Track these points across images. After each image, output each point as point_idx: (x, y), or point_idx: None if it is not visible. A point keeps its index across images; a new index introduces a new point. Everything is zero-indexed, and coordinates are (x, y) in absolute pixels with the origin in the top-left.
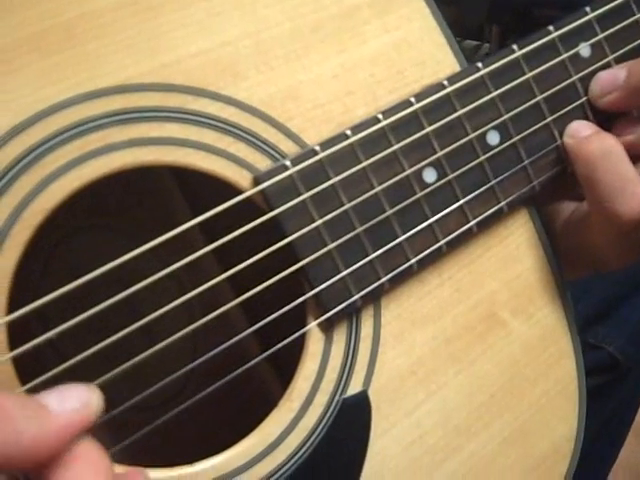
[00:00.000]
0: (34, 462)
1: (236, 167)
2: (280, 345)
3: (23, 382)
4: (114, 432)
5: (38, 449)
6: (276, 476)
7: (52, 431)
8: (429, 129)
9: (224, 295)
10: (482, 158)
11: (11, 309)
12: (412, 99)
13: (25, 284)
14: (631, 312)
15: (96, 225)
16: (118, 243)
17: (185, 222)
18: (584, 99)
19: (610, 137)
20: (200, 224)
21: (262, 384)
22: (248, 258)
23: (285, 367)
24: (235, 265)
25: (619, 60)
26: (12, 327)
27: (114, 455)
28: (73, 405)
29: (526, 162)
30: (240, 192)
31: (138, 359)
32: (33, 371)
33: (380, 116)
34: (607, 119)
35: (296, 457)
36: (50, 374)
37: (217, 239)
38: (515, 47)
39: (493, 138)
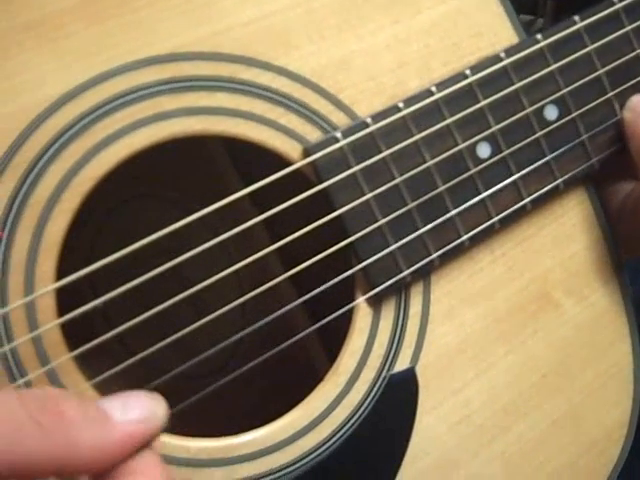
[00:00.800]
0: (91, 472)
1: (286, 138)
2: (328, 319)
3: (72, 348)
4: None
5: (96, 459)
6: (320, 450)
7: (113, 442)
8: (484, 103)
9: (273, 267)
10: (539, 133)
11: (61, 276)
12: (467, 71)
13: (76, 252)
14: None
15: (147, 194)
16: (168, 212)
17: (235, 192)
18: None
19: None
20: (250, 195)
21: (309, 358)
22: (298, 230)
23: (333, 341)
24: (284, 237)
25: None
26: (62, 294)
27: None
28: (137, 416)
29: (585, 138)
30: (290, 163)
31: (186, 331)
32: (83, 338)
33: (434, 89)
34: None
35: (341, 432)
36: (98, 341)
37: (267, 210)
38: (577, 18)
39: (551, 113)
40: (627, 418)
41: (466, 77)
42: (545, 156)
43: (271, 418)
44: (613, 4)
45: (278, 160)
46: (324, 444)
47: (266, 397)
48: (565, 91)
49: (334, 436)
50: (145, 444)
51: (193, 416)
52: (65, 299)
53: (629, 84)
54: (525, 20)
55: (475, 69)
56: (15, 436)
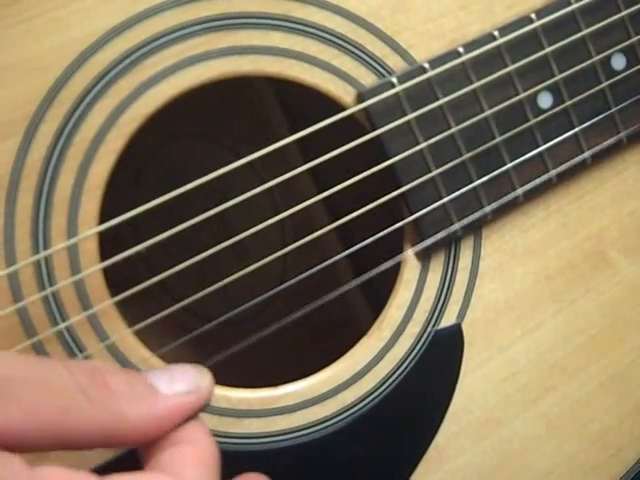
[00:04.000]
0: (138, 443)
1: (339, 81)
2: (375, 271)
3: (114, 293)
4: (202, 345)
5: (142, 430)
6: (361, 405)
7: (159, 414)
8: (549, 50)
9: (318, 217)
10: (605, 84)
11: (105, 218)
12: (533, 15)
13: (119, 192)
14: None
15: (192, 134)
16: (214, 154)
17: (283, 138)
18: None
19: None
20: (298, 141)
21: (352, 312)
22: (346, 180)
23: (378, 295)
24: (331, 186)
25: None
26: (105, 238)
27: None
28: (183, 388)
29: None
30: (343, 108)
31: (230, 279)
32: (126, 284)
33: (496, 33)
34: None
35: (383, 387)
36: (140, 287)
37: (315, 157)
38: None
39: (619, 62)
40: None
41: (531, 21)
42: (610, 108)
43: (308, 371)
44: None
45: (330, 104)
46: (365, 398)
47: (302, 349)
48: (635, 39)
49: (376, 390)
50: (191, 415)
51: (234, 365)
52: (108, 243)
53: None
54: None
55: (541, 13)
56: (65, 407)
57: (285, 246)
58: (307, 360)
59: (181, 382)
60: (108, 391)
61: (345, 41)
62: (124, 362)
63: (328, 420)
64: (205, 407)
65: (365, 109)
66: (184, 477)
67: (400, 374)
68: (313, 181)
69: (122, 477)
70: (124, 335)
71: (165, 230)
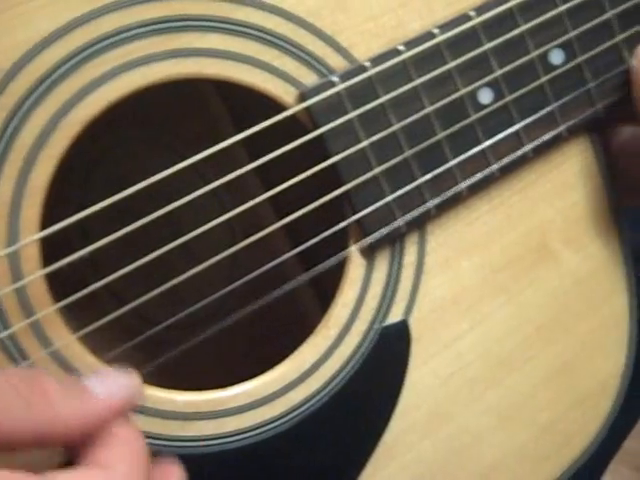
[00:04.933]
0: (71, 441)
1: (280, 82)
2: (319, 269)
3: (60, 299)
4: (151, 349)
5: (75, 430)
6: (309, 404)
7: (91, 414)
8: (488, 46)
9: (266, 217)
10: (543, 79)
11: (51, 224)
12: (472, 13)
13: (65, 201)
14: None
15: (139, 138)
16: (161, 157)
17: (229, 139)
18: None
19: None
20: (244, 142)
21: (304, 310)
22: (291, 179)
23: (327, 294)
24: (278, 186)
25: None
26: (53, 245)
27: (147, 374)
28: (113, 390)
29: (591, 85)
30: (285, 108)
31: (178, 280)
32: (74, 290)
33: (436, 31)
34: None
35: (331, 385)
36: (87, 290)
37: (261, 158)
38: None
39: (557, 57)
40: (621, 371)
41: (470, 19)
42: (549, 102)
43: (262, 369)
44: None
45: (273, 105)
46: (314, 397)
47: (258, 348)
48: (572, 34)
49: (324, 389)
50: (121, 415)
51: (183, 366)
52: (56, 250)
53: (638, 29)
54: None
55: (480, 10)
56: (2, 409)
57: (234, 246)
58: (261, 361)
59: (112, 384)
60: (44, 394)
61: (285, 41)
62: (69, 369)
63: (277, 420)
64: (135, 407)
65: (307, 109)
66: (115, 471)
67: (347, 372)
68: (261, 182)
69: (59, 474)
70: (68, 342)
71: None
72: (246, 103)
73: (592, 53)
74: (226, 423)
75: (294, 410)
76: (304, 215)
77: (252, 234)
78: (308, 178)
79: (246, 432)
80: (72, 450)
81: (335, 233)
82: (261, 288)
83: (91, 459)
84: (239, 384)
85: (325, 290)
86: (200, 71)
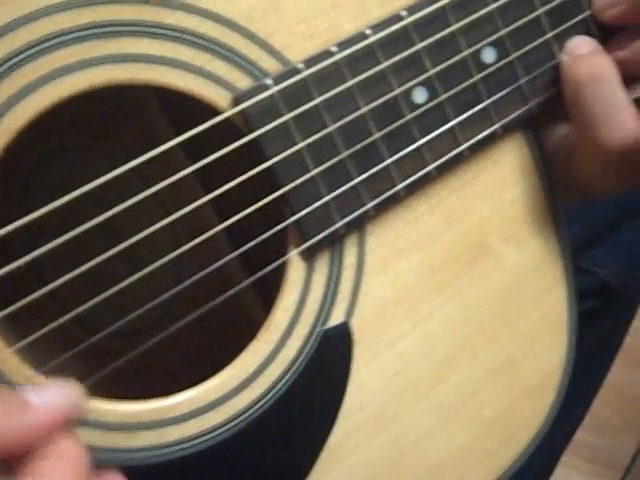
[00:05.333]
0: (11, 453)
1: (214, 86)
2: (260, 273)
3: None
4: (94, 360)
5: (14, 443)
6: (254, 409)
7: (30, 426)
8: (420, 45)
9: (209, 221)
10: (476, 77)
11: None
12: (403, 13)
13: (4, 206)
14: (624, 236)
15: (78, 146)
16: (102, 165)
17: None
18: (587, 13)
19: (604, 59)
20: (185, 148)
21: (250, 314)
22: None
23: (272, 297)
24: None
25: None
26: None
27: (93, 385)
28: (53, 401)
29: (523, 81)
30: (220, 113)
31: (121, 286)
32: (15, 296)
33: (368, 31)
34: (611, 35)
35: (275, 390)
36: (30, 298)
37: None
38: None
39: (489, 55)
40: (562, 364)
41: (402, 19)
42: (482, 100)
43: (211, 376)
44: None
45: (209, 110)
46: (258, 402)
47: (205, 354)
48: (503, 32)
49: (267, 394)
50: (62, 427)
51: (129, 376)
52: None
53: (568, 25)
54: None
55: (411, 10)
56: None
57: (176, 256)
58: (209, 367)
59: (51, 395)
60: None
61: (218, 45)
62: (6, 382)
63: (221, 427)
64: (76, 418)
65: (241, 112)
66: None
67: (291, 376)
68: (202, 186)
69: None
70: (4, 355)
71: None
72: (184, 108)
73: (524, 50)
74: (169, 432)
75: (238, 416)
76: (247, 218)
77: (196, 238)
78: (249, 180)
79: (189, 441)
80: (9, 462)
81: (277, 236)
82: (206, 294)
83: (29, 471)
84: (181, 392)
85: (270, 293)
86: (134, 77)
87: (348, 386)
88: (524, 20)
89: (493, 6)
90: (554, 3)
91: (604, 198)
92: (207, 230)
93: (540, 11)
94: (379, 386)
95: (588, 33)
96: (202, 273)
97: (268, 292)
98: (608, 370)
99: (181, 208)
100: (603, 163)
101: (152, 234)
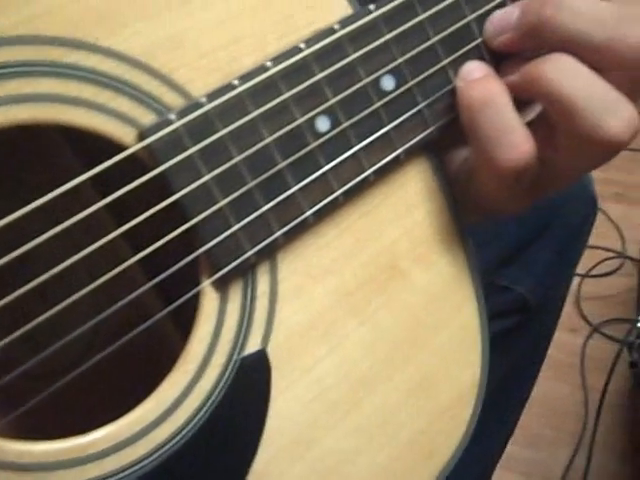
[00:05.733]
0: None
1: (119, 122)
2: (173, 306)
3: None
4: (10, 401)
5: None
6: (175, 440)
7: None
8: (320, 76)
9: (123, 255)
10: (377, 104)
11: None
12: (302, 45)
13: None
14: (540, 252)
15: None
16: (10, 208)
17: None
18: (479, 40)
19: (496, 83)
20: (96, 185)
21: (169, 346)
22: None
23: (189, 327)
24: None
25: None
26: None
27: (7, 426)
28: None
29: (422, 106)
30: (126, 149)
31: (34, 323)
32: None
33: (269, 64)
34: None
35: (195, 420)
36: None
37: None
38: None
39: (388, 83)
40: (477, 379)
41: (301, 50)
42: (384, 126)
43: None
44: None
45: (116, 146)
46: (179, 433)
47: (128, 388)
48: (400, 61)
49: (188, 425)
50: None
51: (50, 413)
52: None
53: (462, 51)
54: None
55: (310, 42)
56: None
57: (92, 290)
58: (132, 401)
59: None
60: None
61: (121, 83)
62: None
63: (141, 461)
64: None
65: (147, 147)
66: None
67: (210, 406)
68: (115, 221)
69: None
70: None
71: None
72: (92, 145)
73: (421, 77)
74: (88, 470)
75: (159, 449)
76: (161, 249)
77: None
78: (160, 212)
79: (109, 477)
80: None
81: (191, 267)
82: (126, 329)
83: None
84: (99, 428)
85: (187, 324)
86: (37, 116)
87: (269, 412)
88: (419, 48)
89: (388, 36)
90: (447, 32)
91: (511, 217)
92: (121, 264)
93: (434, 39)
94: (298, 411)
95: (481, 59)
96: (115, 307)
97: (186, 323)
98: (533, 385)
99: (94, 243)
100: (501, 184)
101: (66, 272)
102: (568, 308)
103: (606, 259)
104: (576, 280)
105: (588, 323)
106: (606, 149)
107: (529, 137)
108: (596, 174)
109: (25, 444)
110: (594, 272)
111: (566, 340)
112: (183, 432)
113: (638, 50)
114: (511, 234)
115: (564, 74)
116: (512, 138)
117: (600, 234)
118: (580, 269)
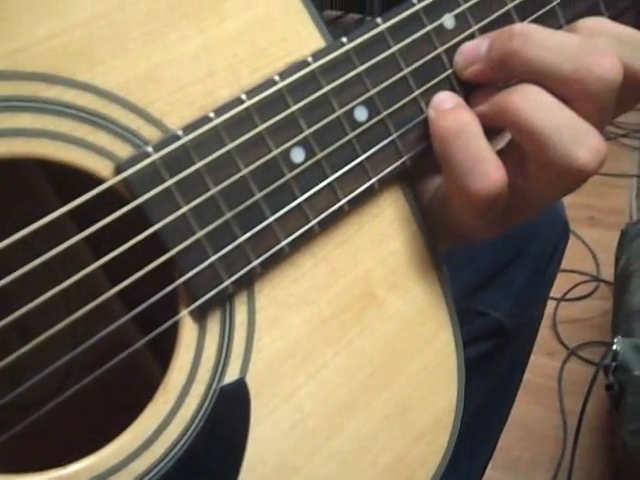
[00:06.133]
0: None
1: (96, 156)
2: (151, 335)
3: None
4: None
5: None
6: (155, 471)
7: None
8: (295, 108)
9: (102, 287)
10: (351, 135)
11: None
12: (276, 77)
13: None
14: (515, 277)
15: None
16: None
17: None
18: (450, 71)
19: (467, 112)
20: (75, 220)
21: (148, 377)
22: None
23: (169, 358)
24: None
25: (484, 30)
26: None
27: None
28: None
29: (394, 136)
30: (104, 182)
31: (13, 357)
32: None
33: (244, 96)
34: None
35: (175, 450)
36: None
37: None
38: (379, 20)
39: (361, 114)
40: (453, 405)
41: (275, 83)
42: (358, 157)
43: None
44: (413, 5)
45: (93, 180)
46: (158, 464)
47: (109, 419)
48: (373, 92)
49: (168, 454)
50: None
51: (30, 445)
52: None
53: (433, 82)
54: (354, 19)
55: (284, 74)
56: None
57: (71, 323)
58: (114, 433)
59: None
60: None
61: (98, 116)
62: None
63: None
64: None
65: (124, 180)
66: None
67: (190, 435)
68: (94, 255)
69: None
70: None
71: None
72: (70, 179)
73: (393, 108)
74: None
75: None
76: (140, 281)
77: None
78: (140, 243)
79: None
80: None
81: (169, 297)
82: (106, 361)
83: None
84: (80, 460)
85: (167, 354)
86: (15, 151)
87: (248, 440)
88: (392, 80)
89: (361, 68)
90: (418, 63)
91: (495, 239)
92: (100, 296)
93: (406, 71)
94: (278, 438)
95: (452, 89)
96: (94, 339)
97: (165, 352)
98: (511, 408)
99: (72, 276)
100: (474, 211)
101: (45, 305)
102: (545, 332)
103: (581, 283)
104: (552, 304)
105: (565, 347)
106: (575, 178)
107: (500, 165)
108: (569, 199)
109: (4, 477)
110: (570, 296)
111: (544, 364)
112: (163, 462)
113: (603, 80)
114: (486, 260)
115: (532, 105)
116: (484, 166)
117: (574, 258)
118: (556, 293)
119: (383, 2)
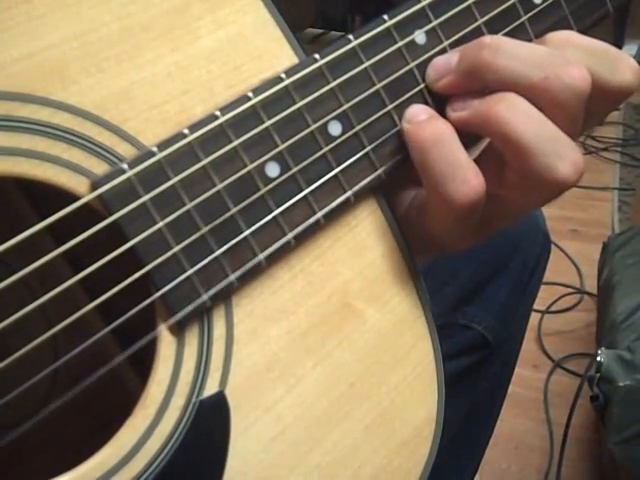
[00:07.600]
0: None
1: (72, 174)
2: (130, 351)
3: None
4: None
5: None
6: None
7: None
8: (269, 123)
9: (81, 302)
10: (325, 149)
11: None
12: (250, 94)
13: None
14: (497, 290)
15: None
16: None
17: (37, 236)
18: (422, 85)
19: (442, 122)
20: (54, 237)
21: (128, 392)
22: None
23: (148, 371)
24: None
25: (454, 45)
26: None
27: None
28: None
29: (368, 149)
30: (79, 199)
31: None
32: None
33: (218, 113)
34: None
35: (155, 464)
36: None
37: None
38: (351, 37)
39: (335, 128)
40: (434, 414)
41: (249, 99)
42: (332, 170)
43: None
44: (384, 21)
45: (70, 197)
46: (138, 478)
47: (90, 435)
48: (346, 107)
49: (148, 469)
50: None
51: (13, 462)
52: None
53: (406, 96)
54: (336, 37)
55: (257, 91)
56: None
57: (51, 339)
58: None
59: None
60: None
61: (73, 134)
62: None
63: None
64: None
65: (100, 197)
66: None
67: (170, 448)
68: (73, 270)
69: None
70: None
71: None
72: (48, 195)
73: (367, 122)
74: None
75: None
76: (118, 295)
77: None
78: (116, 259)
79: None
80: None
81: (147, 312)
82: (84, 375)
83: None
84: (59, 476)
85: (147, 369)
86: None
87: (229, 453)
88: (365, 94)
89: (334, 83)
90: (391, 78)
91: (478, 253)
92: (78, 310)
93: (378, 86)
94: (259, 451)
95: (425, 102)
96: (72, 354)
97: (144, 366)
98: (496, 421)
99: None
100: (454, 219)
101: (24, 322)
102: (530, 344)
103: (565, 295)
104: (537, 316)
105: (550, 359)
106: (554, 189)
107: (479, 172)
108: (552, 212)
109: None
110: (554, 308)
111: (529, 376)
112: (143, 477)
113: (572, 89)
114: (469, 274)
115: (518, 116)
116: (463, 173)
117: (558, 271)
118: (540, 305)
119: (364, 20)
